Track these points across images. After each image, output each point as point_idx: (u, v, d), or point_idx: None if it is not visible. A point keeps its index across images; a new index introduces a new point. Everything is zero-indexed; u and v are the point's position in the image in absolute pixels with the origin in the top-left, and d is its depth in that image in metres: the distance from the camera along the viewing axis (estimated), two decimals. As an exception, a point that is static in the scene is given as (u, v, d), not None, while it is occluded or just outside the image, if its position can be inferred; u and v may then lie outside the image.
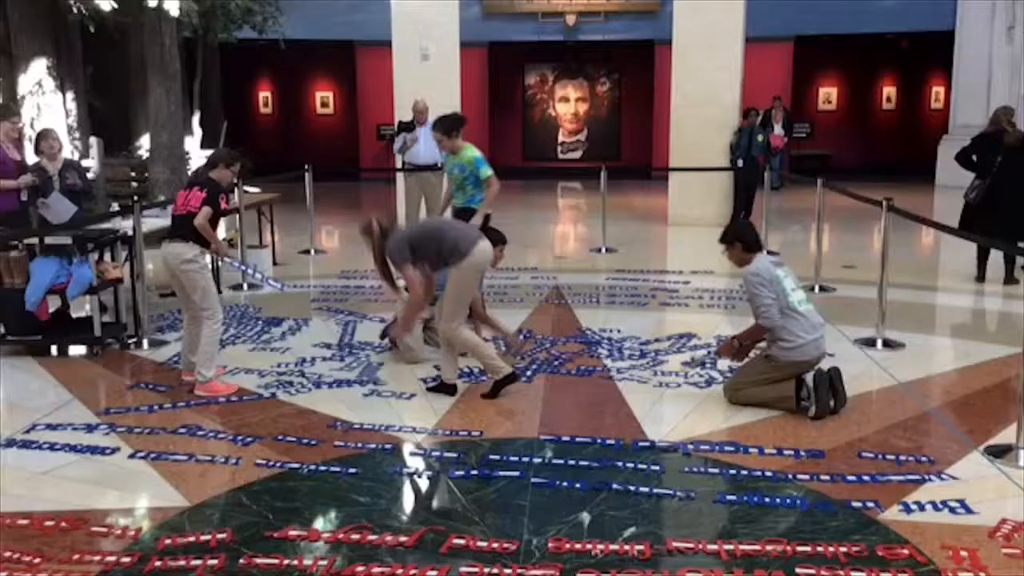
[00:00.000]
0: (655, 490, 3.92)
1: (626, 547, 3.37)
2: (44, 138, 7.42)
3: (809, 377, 4.86)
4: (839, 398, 4.89)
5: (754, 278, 4.95)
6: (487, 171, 6.25)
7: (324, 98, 21.73)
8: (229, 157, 5.72)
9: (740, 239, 5.08)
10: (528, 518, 3.63)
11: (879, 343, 6.21)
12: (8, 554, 3.34)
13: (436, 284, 5.31)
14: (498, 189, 6.26)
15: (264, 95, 22.03)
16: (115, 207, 8.85)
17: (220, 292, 8.12)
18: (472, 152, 6.28)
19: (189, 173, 12.54)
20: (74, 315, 6.44)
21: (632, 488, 3.91)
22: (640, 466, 4.18)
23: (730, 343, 5.19)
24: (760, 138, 12.31)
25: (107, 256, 6.54)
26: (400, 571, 3.21)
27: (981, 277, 8.42)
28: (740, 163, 11.99)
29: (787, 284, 4.97)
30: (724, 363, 5.78)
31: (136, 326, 6.53)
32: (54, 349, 6.19)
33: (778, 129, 16.99)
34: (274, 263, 9.59)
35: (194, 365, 5.39)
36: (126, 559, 3.32)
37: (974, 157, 8.50)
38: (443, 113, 6.43)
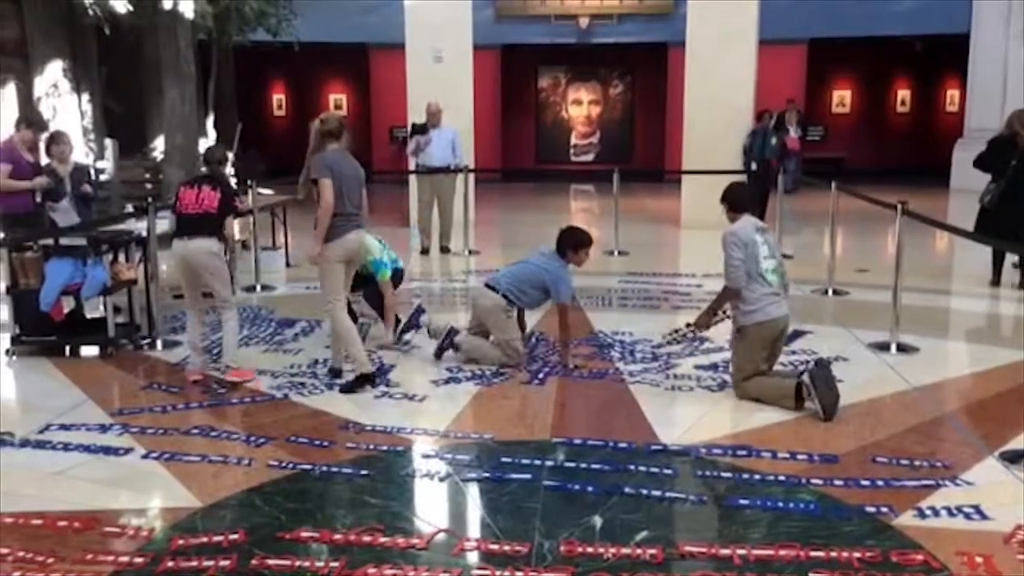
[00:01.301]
0: (667, 494, 3.90)
1: (638, 551, 3.35)
2: (56, 142, 7.47)
3: (805, 376, 4.85)
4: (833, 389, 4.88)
5: (730, 237, 5.07)
6: (384, 273, 6.33)
7: (337, 100, 21.77)
8: (223, 154, 6.17)
9: (726, 199, 5.25)
10: (540, 521, 3.62)
11: (893, 347, 6.17)
12: (21, 554, 3.35)
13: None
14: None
15: (278, 97, 22.11)
16: (129, 208, 8.90)
17: (234, 293, 8.15)
18: (375, 247, 6.32)
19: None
20: (88, 316, 6.46)
21: (644, 492, 3.90)
22: (652, 470, 4.16)
23: (702, 313, 5.42)
24: (774, 141, 12.27)
25: (121, 257, 6.57)
26: (412, 573, 3.21)
27: (996, 281, 8.37)
28: (753, 166, 11.95)
29: (761, 251, 5.05)
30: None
31: (150, 327, 6.56)
32: (68, 350, 6.22)
33: (793, 132, 16.93)
34: (287, 264, 9.62)
35: (203, 364, 5.60)
36: (139, 559, 3.33)
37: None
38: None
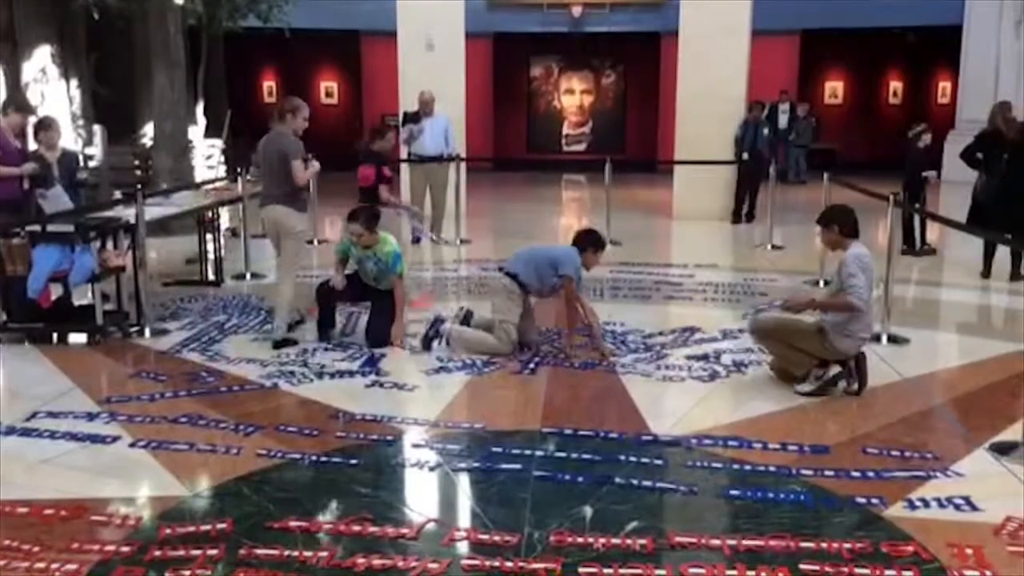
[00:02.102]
0: (658, 484, 3.90)
1: (628, 541, 3.34)
2: (44, 128, 7.41)
3: (833, 370, 5.02)
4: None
5: (858, 261, 4.99)
6: (402, 268, 6.14)
7: (328, 88, 21.66)
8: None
9: (838, 223, 5.15)
10: (530, 511, 3.61)
11: (884, 338, 6.17)
12: (7, 542, 3.32)
13: None
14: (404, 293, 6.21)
15: (268, 84, 21.97)
16: (118, 195, 8.85)
17: (223, 281, 8.13)
18: (391, 246, 6.10)
19: (192, 161, 12.52)
20: (76, 303, 6.42)
21: (635, 482, 3.89)
22: (643, 460, 4.15)
23: (807, 300, 5.39)
24: (765, 131, 12.25)
25: (109, 244, 6.51)
26: (401, 563, 3.19)
27: (987, 273, 8.39)
28: (745, 156, 11.95)
29: (873, 275, 5.07)
30: (728, 358, 5.77)
31: (138, 315, 6.51)
32: (55, 337, 6.17)
33: (783, 122, 16.98)
34: (277, 253, 9.55)
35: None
36: (126, 548, 3.30)
37: (979, 155, 8.49)
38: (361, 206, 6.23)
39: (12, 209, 6.83)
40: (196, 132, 13.96)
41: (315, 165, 6.36)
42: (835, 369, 5.04)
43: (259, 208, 6.28)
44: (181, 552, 3.27)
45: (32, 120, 7.87)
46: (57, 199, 7.11)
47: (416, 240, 7.30)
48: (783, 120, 17.14)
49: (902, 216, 8.55)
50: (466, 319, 6.09)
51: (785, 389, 5.14)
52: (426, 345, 5.95)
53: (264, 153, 6.10)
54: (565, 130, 21.48)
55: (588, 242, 5.97)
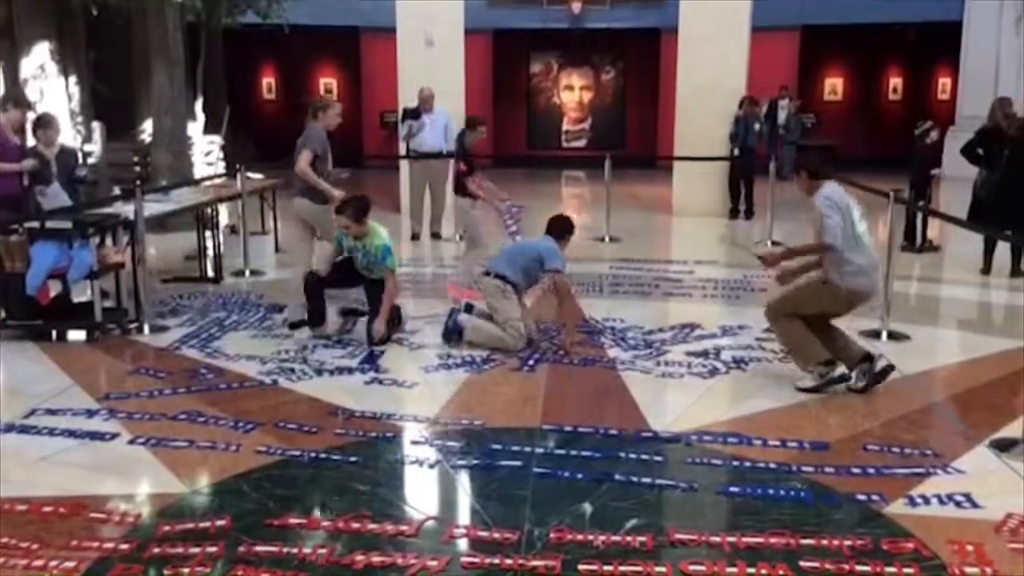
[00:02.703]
0: (658, 481, 3.89)
1: (628, 538, 3.34)
2: (44, 125, 7.38)
3: (882, 362, 5.03)
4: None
5: (826, 201, 4.95)
6: (392, 262, 6.06)
7: (328, 84, 21.61)
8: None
9: (805, 168, 5.12)
10: (530, 508, 3.60)
11: (884, 335, 6.17)
12: (6, 540, 3.32)
13: None
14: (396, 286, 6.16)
15: (268, 81, 21.94)
16: (117, 191, 8.83)
17: (222, 278, 8.11)
18: (380, 239, 6.05)
19: (191, 158, 12.50)
20: (75, 300, 6.41)
21: (635, 479, 3.88)
22: (643, 457, 4.14)
23: (783, 251, 5.33)
24: (757, 127, 12.21)
25: (108, 241, 6.50)
26: (400, 560, 3.19)
27: (987, 269, 8.38)
28: (736, 152, 11.92)
29: (855, 213, 5.00)
30: (729, 354, 5.76)
31: (137, 311, 6.50)
32: (54, 334, 6.16)
33: (781, 118, 16.95)
34: (276, 249, 9.56)
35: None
36: (124, 545, 3.30)
37: (979, 151, 8.48)
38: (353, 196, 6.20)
39: (11, 206, 6.81)
40: (195, 128, 13.91)
41: (336, 195, 6.42)
42: (840, 369, 5.01)
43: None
44: (180, 549, 3.26)
45: (31, 116, 7.84)
46: (56, 196, 7.10)
47: (514, 234, 7.27)
48: (783, 116, 17.11)
49: (906, 213, 8.55)
50: (467, 311, 6.10)
51: (785, 386, 5.14)
52: (448, 339, 5.94)
53: (296, 148, 6.52)
54: (565, 126, 21.44)
55: (563, 230, 6.17)
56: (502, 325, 5.82)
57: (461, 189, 7.72)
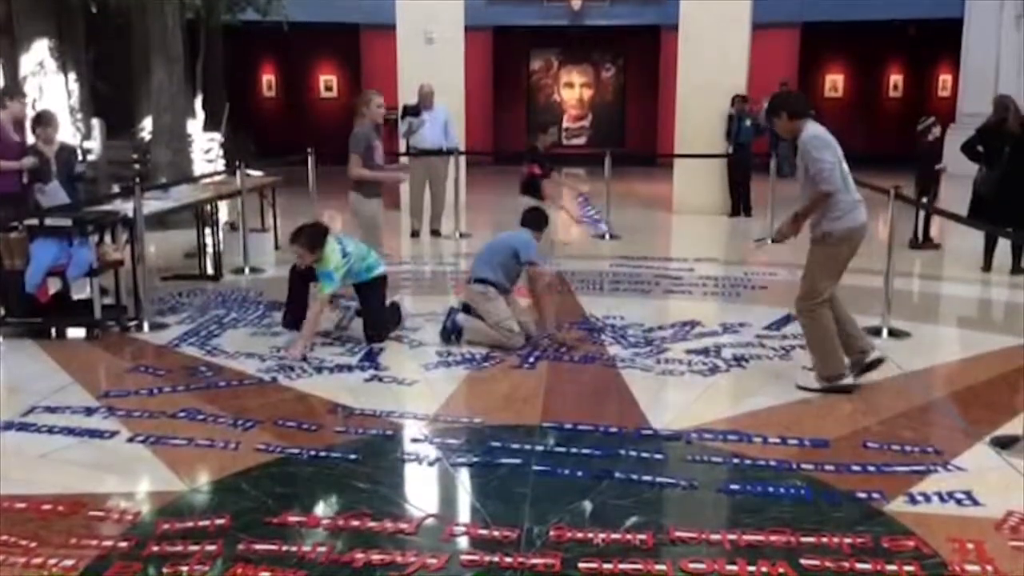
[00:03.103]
0: (658, 479, 3.88)
1: (628, 536, 3.33)
2: (43, 123, 7.38)
3: (874, 354, 5.04)
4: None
5: (814, 140, 4.79)
6: (324, 287, 5.74)
7: (328, 81, 21.63)
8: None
9: (786, 109, 4.93)
10: (529, 506, 3.60)
11: (885, 332, 6.16)
12: (5, 538, 3.31)
13: None
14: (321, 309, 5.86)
15: (268, 78, 21.93)
16: (116, 189, 8.82)
17: (221, 275, 8.10)
18: (326, 265, 5.75)
19: (191, 155, 12.50)
20: (74, 298, 6.40)
21: (635, 477, 3.87)
22: (643, 454, 4.14)
23: (790, 221, 5.03)
24: (748, 123, 12.19)
25: (108, 238, 6.50)
26: (400, 558, 3.18)
27: (988, 266, 8.37)
28: (730, 150, 11.91)
29: (839, 151, 4.87)
30: (729, 352, 5.76)
31: (137, 309, 6.49)
32: (54, 331, 6.16)
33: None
34: (276, 247, 9.56)
35: None
36: (124, 544, 3.29)
37: (980, 148, 8.46)
38: (305, 224, 5.99)
39: (11, 203, 6.81)
40: (195, 126, 13.92)
41: (400, 176, 6.57)
42: (848, 380, 4.94)
43: None
44: (179, 547, 3.25)
45: (29, 109, 7.84)
46: (55, 194, 7.10)
47: (603, 235, 7.37)
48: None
49: (916, 211, 8.55)
50: (465, 311, 6.08)
51: (786, 383, 5.13)
52: (447, 338, 5.93)
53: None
54: (565, 123, 21.43)
55: (537, 221, 6.23)
56: (494, 327, 5.81)
57: (530, 190, 7.93)
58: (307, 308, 5.91)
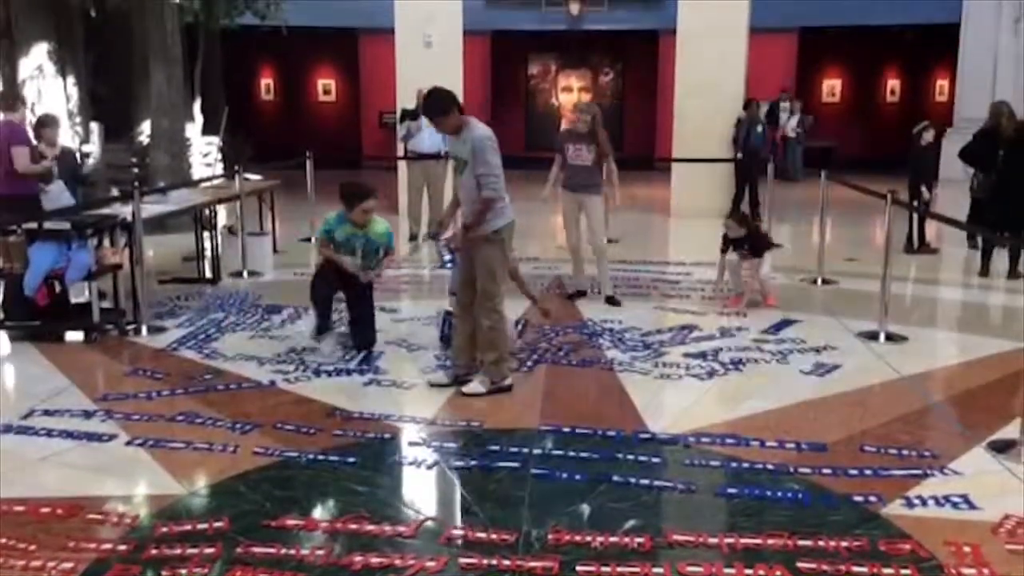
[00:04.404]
0: (656, 482, 3.89)
1: (626, 539, 3.34)
2: (48, 125, 7.39)
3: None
4: None
5: (490, 142, 4.84)
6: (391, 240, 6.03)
7: (326, 85, 21.63)
8: None
9: (457, 104, 4.86)
10: (528, 509, 3.60)
11: (882, 336, 6.17)
12: (3, 541, 3.31)
13: None
14: None
15: (266, 82, 21.94)
16: (115, 192, 8.82)
17: (220, 279, 8.11)
18: (383, 225, 5.97)
19: (190, 159, 12.50)
20: (73, 301, 6.40)
21: (633, 480, 3.88)
22: (641, 458, 4.14)
23: (461, 231, 5.01)
24: (759, 129, 12.24)
25: (106, 242, 6.50)
26: (398, 561, 3.19)
27: (985, 271, 8.39)
28: (740, 155, 11.94)
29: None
30: (726, 355, 5.76)
31: (135, 312, 6.50)
32: (52, 335, 6.15)
33: (793, 122, 17.04)
34: (274, 251, 9.56)
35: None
36: (122, 547, 3.29)
37: (976, 152, 8.50)
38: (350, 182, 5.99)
39: (31, 206, 6.79)
40: (193, 130, 13.91)
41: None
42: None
43: None
44: (178, 550, 3.25)
45: (29, 113, 7.85)
46: (59, 196, 7.10)
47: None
48: (784, 118, 17.18)
49: (909, 216, 8.57)
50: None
51: (783, 387, 5.14)
52: (446, 343, 5.88)
53: None
54: (563, 128, 21.44)
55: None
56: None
57: None
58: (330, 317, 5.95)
